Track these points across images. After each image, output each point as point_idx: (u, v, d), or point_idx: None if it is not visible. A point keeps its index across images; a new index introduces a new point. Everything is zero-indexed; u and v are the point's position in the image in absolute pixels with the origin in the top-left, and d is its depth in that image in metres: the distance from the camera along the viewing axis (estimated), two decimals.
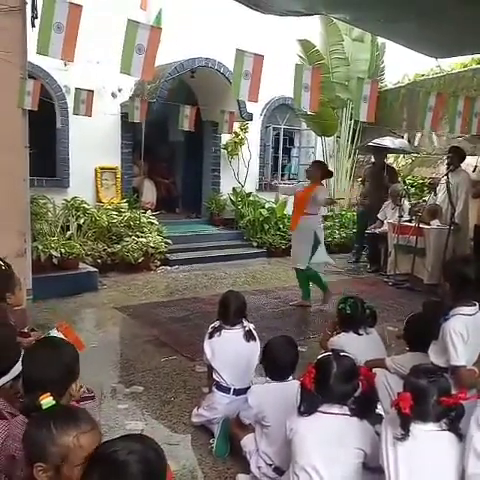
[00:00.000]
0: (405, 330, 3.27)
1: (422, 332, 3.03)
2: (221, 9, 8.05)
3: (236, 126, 8.61)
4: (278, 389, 2.79)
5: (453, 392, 2.14)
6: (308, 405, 2.30)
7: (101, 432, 1.71)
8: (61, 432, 1.57)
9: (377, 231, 8.05)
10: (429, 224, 7.02)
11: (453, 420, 2.03)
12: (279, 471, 2.65)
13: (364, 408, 2.28)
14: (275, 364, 2.85)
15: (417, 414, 2.04)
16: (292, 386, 2.75)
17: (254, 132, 9.86)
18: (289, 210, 9.87)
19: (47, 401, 1.68)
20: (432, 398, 2.03)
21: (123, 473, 1.41)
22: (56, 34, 2.80)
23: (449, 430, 2.03)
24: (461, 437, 2.01)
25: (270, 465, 2.69)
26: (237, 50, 3.20)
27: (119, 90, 8.29)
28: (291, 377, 2.84)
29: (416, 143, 9.50)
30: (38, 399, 1.68)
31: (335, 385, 2.25)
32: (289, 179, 10.93)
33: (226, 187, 9.62)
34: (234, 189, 9.67)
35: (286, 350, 2.87)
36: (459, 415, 2.04)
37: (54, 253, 6.22)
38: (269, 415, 2.74)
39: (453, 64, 9.52)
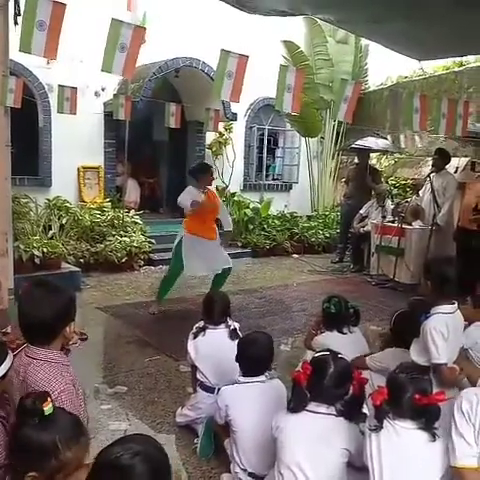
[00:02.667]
0: (391, 327, 3.29)
1: (405, 329, 3.06)
2: (206, 9, 8.04)
3: (220, 126, 8.60)
4: (249, 393, 2.75)
5: (435, 391, 2.17)
6: (298, 402, 2.30)
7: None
8: (66, 448, 1.58)
9: (361, 230, 8.11)
10: (411, 225, 7.10)
11: (427, 420, 2.06)
12: (255, 476, 2.63)
13: (352, 410, 2.29)
14: (248, 360, 2.83)
15: (393, 409, 2.08)
16: (265, 389, 2.75)
17: (238, 132, 9.85)
18: (274, 210, 9.97)
19: (49, 407, 1.66)
20: (406, 394, 2.07)
21: (132, 477, 1.41)
22: (39, 32, 2.78)
23: (424, 429, 2.06)
24: (435, 437, 2.04)
25: (244, 471, 2.66)
26: (222, 50, 3.19)
27: (102, 89, 8.23)
28: (263, 376, 2.81)
29: (402, 145, 9.59)
30: (41, 405, 1.65)
31: (329, 385, 2.26)
32: (273, 179, 10.96)
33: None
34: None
35: (259, 345, 2.85)
36: (434, 416, 2.06)
37: (36, 253, 6.15)
38: (236, 420, 2.71)
39: (435, 66, 9.63)
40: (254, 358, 2.82)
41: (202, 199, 5.44)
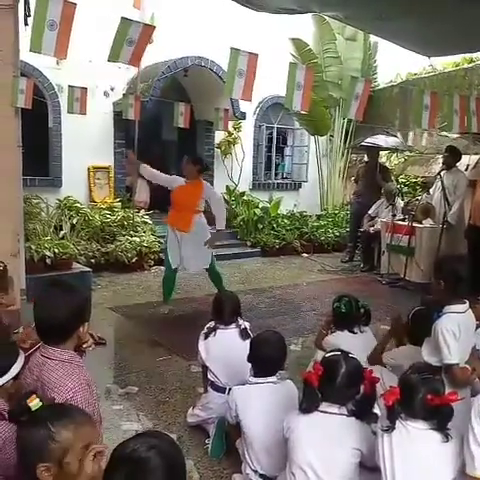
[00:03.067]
0: (410, 323, 3.26)
1: (421, 327, 3.04)
2: (214, 7, 8.04)
3: (229, 125, 8.59)
4: (259, 394, 2.73)
5: (447, 391, 2.16)
6: (310, 402, 2.29)
7: (96, 423, 1.73)
8: (59, 428, 1.59)
9: (371, 230, 8.08)
10: (422, 223, 7.06)
11: (440, 420, 2.05)
12: (266, 478, 2.62)
13: (363, 410, 2.28)
14: (261, 360, 2.80)
15: (405, 410, 2.07)
16: (277, 390, 2.73)
17: (247, 131, 9.84)
18: (283, 209, 9.95)
19: (35, 403, 1.68)
20: (418, 395, 2.05)
21: (147, 469, 1.42)
22: (49, 31, 2.80)
23: (437, 430, 2.04)
24: (448, 437, 2.02)
25: (255, 472, 2.66)
26: (231, 48, 3.19)
27: (111, 89, 8.26)
28: (275, 377, 2.79)
29: (409, 142, 9.52)
30: (26, 402, 1.68)
31: (340, 385, 2.25)
32: (283, 178, 10.94)
33: (219, 186, 9.59)
34: (228, 188, 9.66)
35: (273, 345, 2.83)
36: (446, 416, 2.05)
37: (47, 253, 6.17)
38: (246, 422, 2.70)
39: (445, 63, 9.54)
40: (267, 358, 2.79)
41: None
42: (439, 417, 2.05)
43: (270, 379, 2.78)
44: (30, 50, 2.89)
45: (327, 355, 2.41)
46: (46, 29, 2.80)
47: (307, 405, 2.29)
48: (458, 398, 2.12)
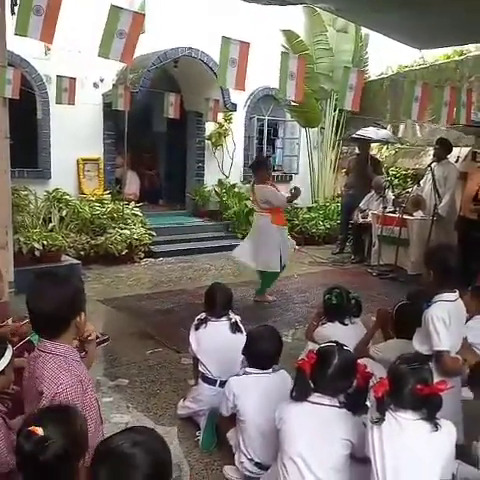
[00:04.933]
0: (394, 318, 3.28)
1: (407, 320, 3.05)
2: None
3: (220, 117, 8.55)
4: (256, 383, 2.75)
5: (436, 380, 2.16)
6: (301, 391, 2.29)
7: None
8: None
9: (361, 221, 8.08)
10: (412, 215, 7.08)
11: (429, 410, 2.05)
12: (261, 466, 2.64)
13: (355, 403, 2.28)
14: (257, 354, 2.82)
15: (394, 400, 2.07)
16: (273, 380, 2.76)
17: (238, 123, 9.80)
18: None
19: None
20: (408, 385, 2.05)
21: (132, 465, 1.41)
22: (35, 16, 2.76)
23: (426, 419, 2.04)
24: (437, 427, 2.02)
25: (251, 460, 2.67)
26: (223, 37, 3.17)
27: (101, 80, 8.17)
28: (271, 369, 2.81)
29: (400, 134, 9.53)
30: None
31: (333, 376, 2.25)
32: (273, 170, 10.90)
33: (210, 178, 9.57)
34: (220, 180, 9.63)
35: (269, 340, 2.84)
36: (435, 406, 2.05)
37: (36, 245, 6.12)
38: (244, 410, 2.71)
39: (436, 55, 9.54)
40: (262, 353, 2.81)
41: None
42: (428, 407, 2.05)
43: (266, 370, 2.79)
44: (15, 33, 2.82)
45: (322, 345, 2.42)
46: (32, 14, 2.75)
47: (298, 393, 2.29)
48: (447, 387, 2.12)
